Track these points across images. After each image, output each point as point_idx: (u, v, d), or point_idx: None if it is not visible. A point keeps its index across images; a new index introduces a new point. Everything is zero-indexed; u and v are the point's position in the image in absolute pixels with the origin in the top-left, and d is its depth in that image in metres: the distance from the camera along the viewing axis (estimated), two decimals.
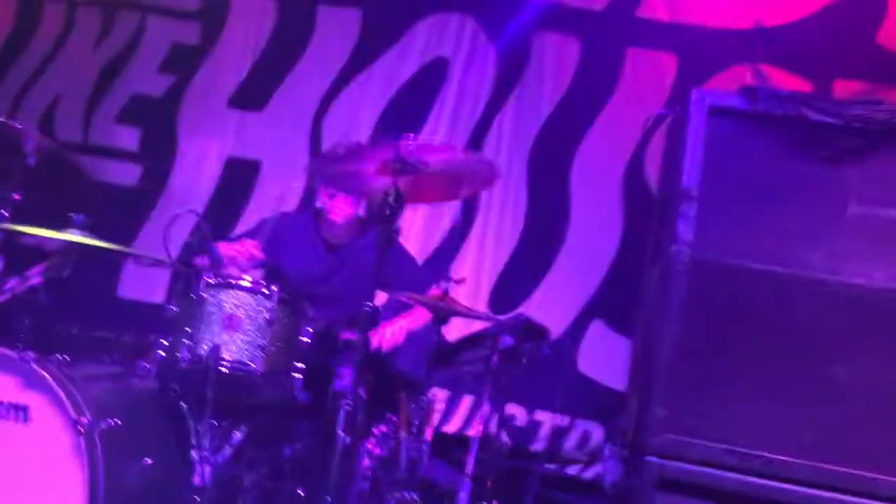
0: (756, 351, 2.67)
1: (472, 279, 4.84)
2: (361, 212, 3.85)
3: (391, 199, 2.90)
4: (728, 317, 2.68)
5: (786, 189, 2.67)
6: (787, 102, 2.61)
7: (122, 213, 5.04)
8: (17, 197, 3.08)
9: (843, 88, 4.50)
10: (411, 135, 2.76)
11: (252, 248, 3.53)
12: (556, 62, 4.94)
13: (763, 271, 2.66)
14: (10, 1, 5.57)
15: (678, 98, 4.55)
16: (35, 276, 3.08)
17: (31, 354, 2.63)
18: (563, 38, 4.96)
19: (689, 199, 2.71)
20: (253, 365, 2.87)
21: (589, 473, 4.57)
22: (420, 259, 4.95)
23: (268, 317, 2.92)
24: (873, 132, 2.55)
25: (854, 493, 2.54)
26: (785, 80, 4.54)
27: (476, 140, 5.00)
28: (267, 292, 2.95)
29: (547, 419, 4.67)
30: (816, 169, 2.65)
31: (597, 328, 4.77)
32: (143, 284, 5.10)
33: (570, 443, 4.66)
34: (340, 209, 3.70)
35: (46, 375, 2.59)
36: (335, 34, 5.20)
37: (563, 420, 4.66)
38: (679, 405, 2.62)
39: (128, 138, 5.35)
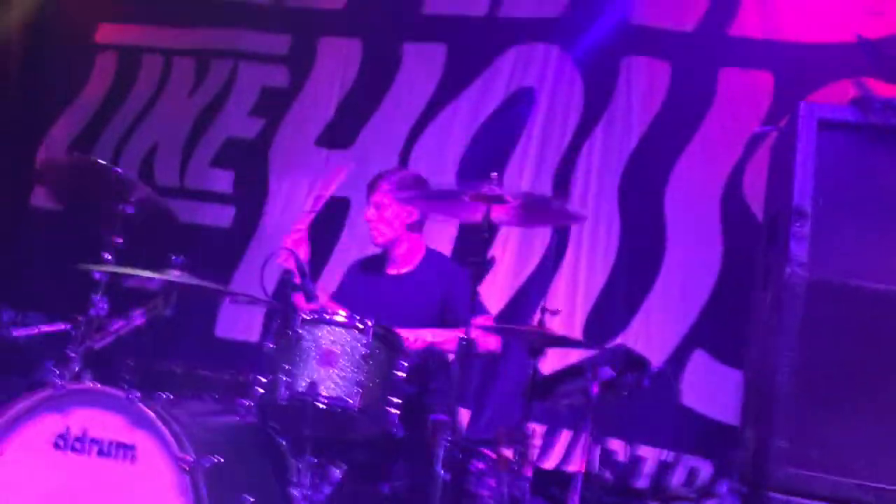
0: (880, 376, 2.49)
1: (566, 310, 4.73)
2: (410, 220, 3.73)
3: (484, 227, 2.87)
4: (849, 340, 2.52)
5: None
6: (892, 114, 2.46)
7: (217, 255, 5.15)
8: (119, 241, 3.16)
9: None
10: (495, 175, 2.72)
11: (323, 295, 3.52)
12: (645, 86, 4.84)
13: (883, 291, 2.49)
14: (113, 54, 5.84)
15: (775, 117, 4.39)
16: (138, 318, 3.14)
17: (136, 394, 2.67)
18: (651, 61, 4.86)
19: (802, 217, 2.57)
20: (350, 401, 2.84)
21: None
22: (513, 289, 4.89)
23: (364, 352, 2.90)
24: None
25: None
26: (890, 93, 4.32)
27: (564, 169, 4.92)
28: (362, 326, 2.93)
29: (650, 455, 4.49)
30: None
31: (700, 358, 4.58)
32: (240, 324, 5.19)
33: (676, 479, 4.46)
34: (378, 229, 3.65)
35: (152, 414, 2.62)
36: (421, 69, 5.24)
37: (667, 455, 4.47)
38: (801, 436, 2.46)
39: (222, 181, 5.49)
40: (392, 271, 3.75)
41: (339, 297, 3.72)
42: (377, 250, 3.82)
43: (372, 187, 3.73)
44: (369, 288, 3.74)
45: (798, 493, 2.44)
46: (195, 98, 5.64)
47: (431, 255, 3.79)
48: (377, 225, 3.70)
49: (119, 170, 3.23)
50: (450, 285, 3.56)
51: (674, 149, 4.73)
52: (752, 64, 4.67)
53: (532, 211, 2.92)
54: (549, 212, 2.96)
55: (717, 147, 4.63)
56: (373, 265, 3.84)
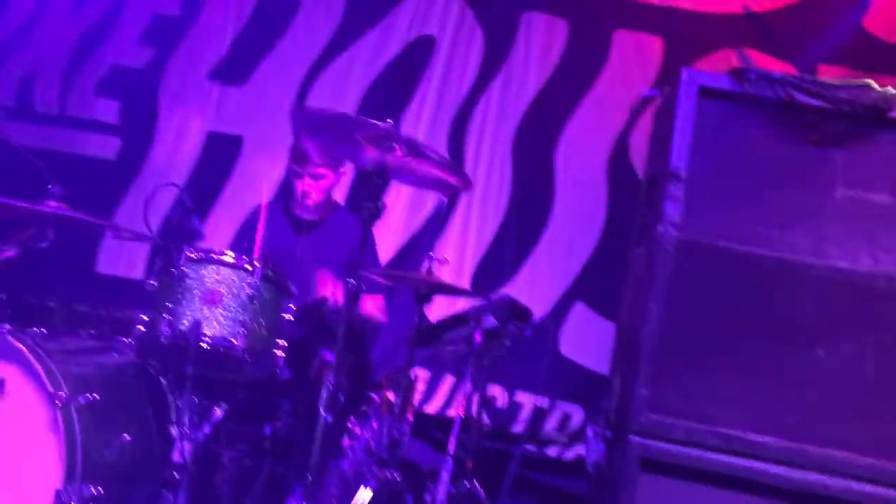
0: (740, 333, 2.67)
1: (455, 260, 4.82)
2: (335, 195, 3.81)
3: (377, 173, 2.88)
4: (713, 299, 2.67)
5: (774, 171, 2.65)
6: (776, 85, 2.60)
7: (101, 187, 4.96)
8: None
9: (828, 73, 4.50)
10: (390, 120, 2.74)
11: None
12: (543, 42, 4.91)
13: (749, 253, 2.65)
14: None
15: (664, 81, 4.55)
16: (10, 248, 3.02)
17: (6, 327, 2.58)
18: (551, 18, 4.92)
19: (677, 180, 2.69)
20: (234, 341, 2.83)
21: (570, 454, 4.58)
22: (404, 238, 4.93)
23: (250, 292, 2.88)
24: (861, 115, 2.55)
25: (834, 475, 2.55)
26: (770, 65, 4.54)
27: (461, 118, 4.96)
28: (249, 268, 2.91)
29: (528, 401, 4.68)
30: (804, 152, 2.63)
31: (580, 311, 4.77)
32: (123, 260, 5.04)
33: (550, 424, 4.67)
34: (302, 185, 3.66)
35: (23, 348, 2.54)
36: (319, 12, 5.13)
37: (543, 402, 4.66)
38: (662, 386, 2.61)
39: (107, 111, 5.25)
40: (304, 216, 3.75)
41: (243, 238, 3.70)
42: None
43: (303, 159, 3.66)
44: (278, 237, 3.71)
45: (656, 437, 2.60)
46: (80, 17, 5.33)
47: (336, 206, 3.82)
48: (314, 194, 3.67)
49: None
50: (350, 234, 3.58)
51: (567, 107, 4.84)
52: (645, 27, 4.80)
53: (420, 167, 2.95)
54: (433, 173, 3.00)
55: (607, 108, 4.77)
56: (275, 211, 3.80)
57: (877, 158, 2.62)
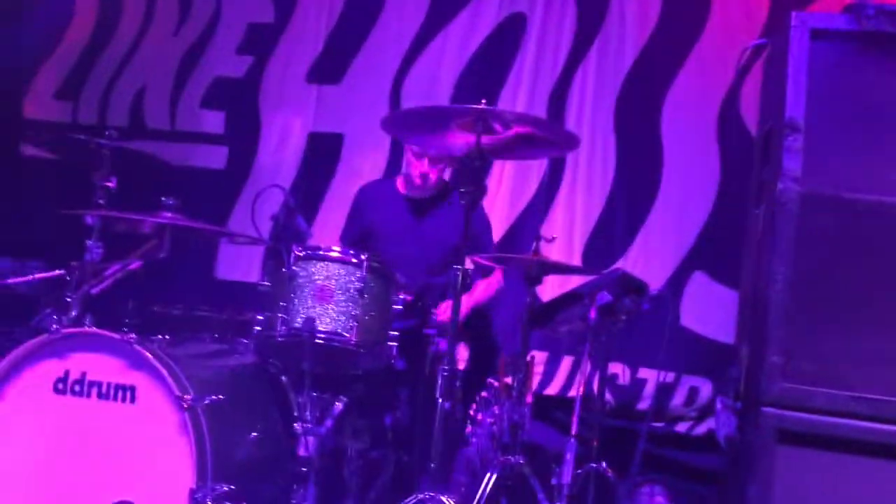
0: (877, 289, 2.48)
1: (564, 238, 4.72)
2: (445, 176, 3.79)
3: (475, 156, 2.82)
4: (844, 254, 2.49)
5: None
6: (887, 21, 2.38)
7: (213, 196, 5.12)
8: (111, 185, 3.12)
9: None
10: (484, 101, 2.67)
11: None
12: (638, 7, 4.72)
13: (879, 203, 2.46)
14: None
15: (773, 31, 4.29)
16: (133, 261, 3.14)
17: (133, 336, 2.68)
18: None
19: (795, 131, 2.52)
20: (347, 335, 2.85)
21: (700, 429, 4.41)
22: (510, 220, 4.86)
23: (359, 286, 2.90)
24: None
25: None
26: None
27: (559, 94, 4.84)
28: (356, 261, 2.92)
29: (651, 376, 4.53)
30: None
31: (699, 280, 4.58)
32: (240, 264, 5.19)
33: (677, 400, 4.51)
34: (421, 168, 3.64)
35: (149, 355, 2.63)
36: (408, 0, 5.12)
37: (668, 377, 4.51)
38: (796, 352, 2.45)
39: (213, 121, 5.42)
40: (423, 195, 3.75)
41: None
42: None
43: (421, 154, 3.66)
44: (393, 218, 3.73)
45: (792, 408, 2.44)
46: (180, 37, 5.53)
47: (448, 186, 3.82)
48: (431, 175, 3.68)
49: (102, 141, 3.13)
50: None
51: (669, 69, 4.64)
52: None
53: (524, 139, 2.87)
54: (541, 138, 2.91)
55: (712, 65, 4.55)
56: (390, 191, 3.82)
57: None
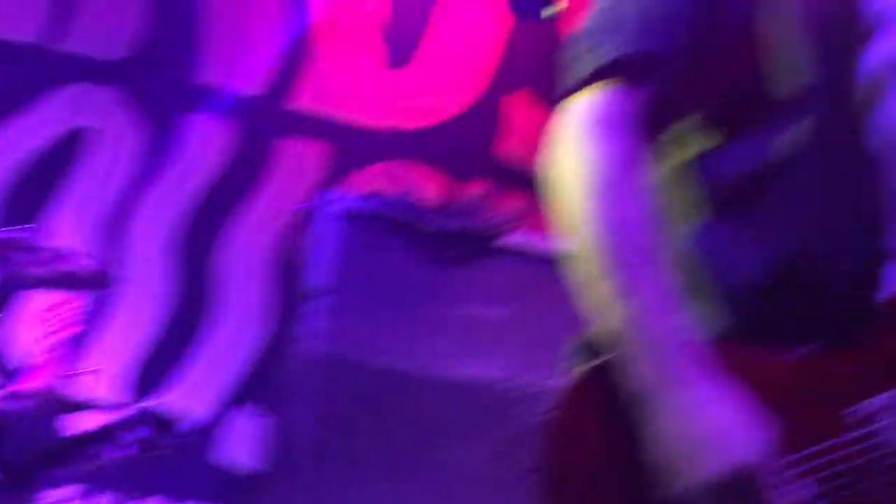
0: (381, 440, 2.82)
1: (110, 366, 4.52)
2: None
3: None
4: (355, 409, 2.81)
5: (404, 290, 2.89)
6: (403, 210, 2.85)
7: None
8: None
9: (478, 186, 4.96)
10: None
11: None
12: (205, 145, 4.89)
13: (384, 367, 2.84)
14: None
15: (326, 190, 4.76)
16: None
17: None
18: (214, 122, 4.93)
19: (321, 295, 2.82)
20: None
21: None
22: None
23: None
24: (473, 241, 2.88)
25: None
26: (428, 177, 4.94)
27: (115, 222, 4.73)
28: None
29: None
30: (432, 272, 2.91)
31: (242, 412, 4.70)
32: None
33: None
34: None
35: None
36: None
37: None
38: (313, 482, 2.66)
39: None
40: None
41: None
42: None
43: None
44: None
45: None
46: None
47: None
48: None
49: None
50: None
51: (226, 215, 4.83)
52: (307, 135, 4.99)
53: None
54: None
55: (268, 219, 4.84)
56: None
57: (488, 277, 2.97)
